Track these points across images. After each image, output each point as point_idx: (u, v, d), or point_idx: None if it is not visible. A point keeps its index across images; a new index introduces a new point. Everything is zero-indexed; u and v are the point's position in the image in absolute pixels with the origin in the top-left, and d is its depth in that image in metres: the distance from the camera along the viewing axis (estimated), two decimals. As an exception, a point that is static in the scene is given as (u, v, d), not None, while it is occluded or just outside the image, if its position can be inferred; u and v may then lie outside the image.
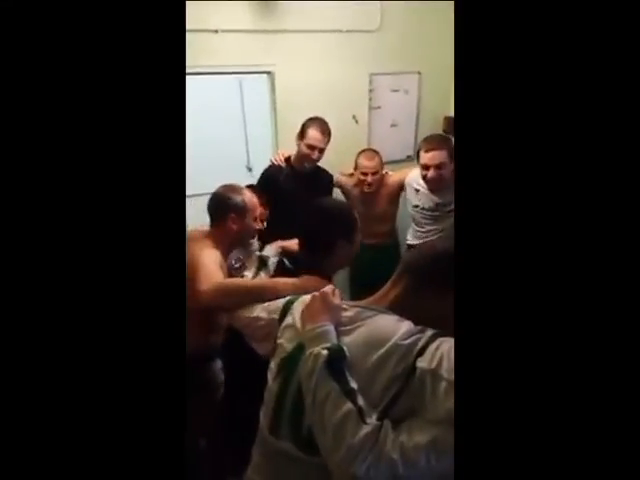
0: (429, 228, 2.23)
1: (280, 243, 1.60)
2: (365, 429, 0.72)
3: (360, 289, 2.28)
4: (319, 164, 2.19)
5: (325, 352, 0.80)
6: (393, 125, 2.97)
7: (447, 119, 3.08)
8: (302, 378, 0.83)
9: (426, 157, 2.01)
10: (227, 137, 2.52)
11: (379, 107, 2.88)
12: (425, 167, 2.03)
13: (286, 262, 1.53)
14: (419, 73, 2.91)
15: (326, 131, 2.10)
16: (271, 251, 1.57)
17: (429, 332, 0.80)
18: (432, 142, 2.03)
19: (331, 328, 0.85)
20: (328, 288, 0.96)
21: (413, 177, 2.23)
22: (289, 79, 2.54)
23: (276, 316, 1.01)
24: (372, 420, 0.74)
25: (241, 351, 1.12)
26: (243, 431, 1.05)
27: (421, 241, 2.24)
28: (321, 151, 2.10)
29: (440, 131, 3.11)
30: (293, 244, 1.44)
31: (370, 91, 2.81)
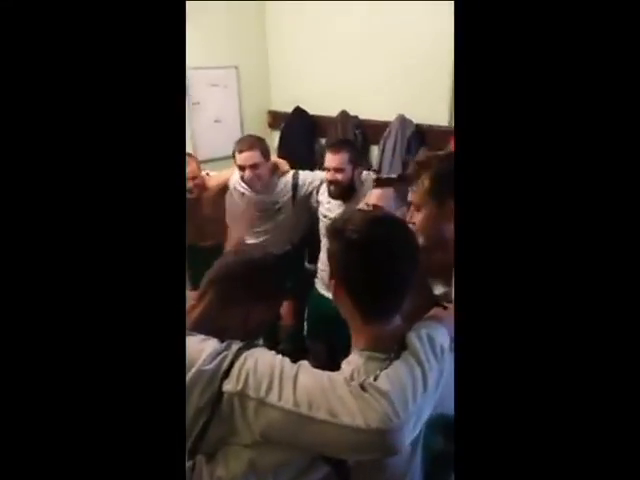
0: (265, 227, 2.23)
1: None
2: None
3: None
4: None
5: None
6: (217, 121, 2.91)
7: (271, 113, 3.13)
8: None
9: (240, 158, 2.00)
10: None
11: (198, 102, 2.79)
12: (241, 168, 2.02)
13: None
14: (236, 68, 2.89)
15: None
16: None
17: (234, 347, 0.76)
18: (244, 143, 2.01)
19: None
20: None
21: (236, 179, 2.20)
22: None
23: None
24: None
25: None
26: None
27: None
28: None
29: (266, 125, 3.16)
30: None
31: (187, 87, 2.70)
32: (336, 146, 1.95)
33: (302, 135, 2.77)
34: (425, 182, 1.04)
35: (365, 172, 2.05)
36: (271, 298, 0.93)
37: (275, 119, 3.07)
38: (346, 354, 0.80)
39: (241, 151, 1.98)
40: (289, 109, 2.86)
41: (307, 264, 2.42)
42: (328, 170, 1.94)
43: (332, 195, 1.98)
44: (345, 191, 1.93)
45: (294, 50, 2.86)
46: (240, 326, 0.86)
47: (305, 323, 2.25)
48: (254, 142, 2.00)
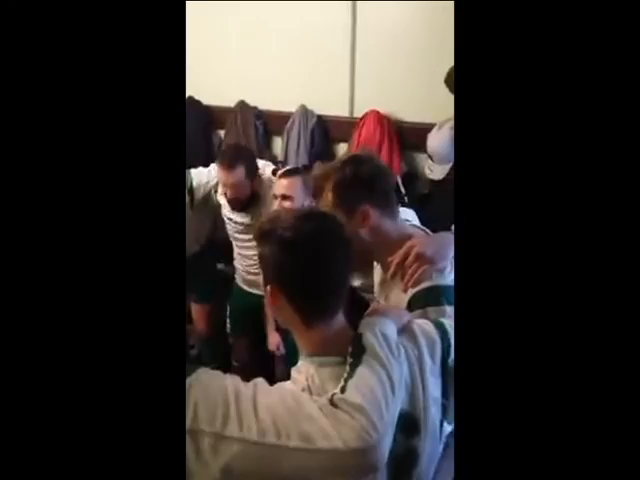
0: None
1: None
2: None
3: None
4: None
5: None
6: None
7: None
8: None
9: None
10: None
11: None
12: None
13: None
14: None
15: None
16: None
17: None
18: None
19: None
20: None
21: None
22: None
23: None
24: None
25: None
26: None
27: None
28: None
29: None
30: None
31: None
32: (225, 164, 1.77)
33: (197, 127, 2.62)
34: (328, 195, 1.03)
35: (267, 172, 1.94)
36: None
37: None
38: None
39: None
40: (180, 99, 2.69)
41: (219, 265, 2.33)
42: (225, 187, 1.83)
43: (235, 209, 1.88)
44: (248, 203, 1.84)
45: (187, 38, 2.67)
46: None
47: (227, 320, 2.17)
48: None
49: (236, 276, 2.09)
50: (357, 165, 1.04)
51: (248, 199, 1.82)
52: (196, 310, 2.29)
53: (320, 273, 0.72)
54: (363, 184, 1.01)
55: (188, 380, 0.66)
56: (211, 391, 0.66)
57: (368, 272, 1.18)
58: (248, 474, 0.63)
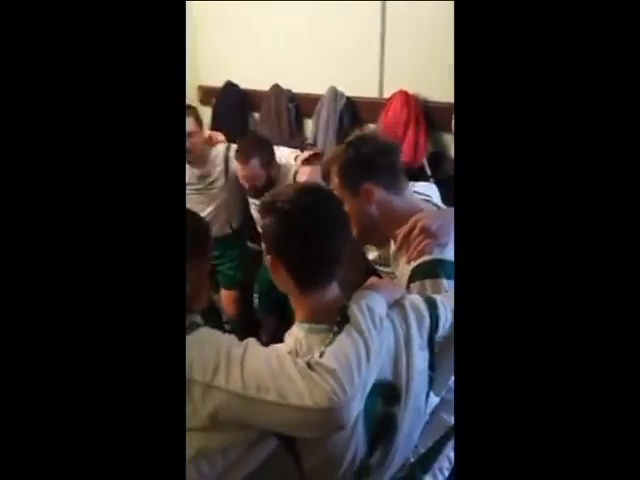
0: None
1: None
2: None
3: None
4: None
5: None
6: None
7: (201, 89, 3.04)
8: None
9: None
10: None
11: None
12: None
13: None
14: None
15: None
16: None
17: None
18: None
19: None
20: None
21: None
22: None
23: None
24: None
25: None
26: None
27: None
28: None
29: (197, 101, 3.07)
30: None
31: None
32: (239, 159, 1.90)
33: (234, 110, 2.73)
34: (335, 178, 1.08)
35: (288, 159, 2.02)
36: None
37: (206, 94, 2.99)
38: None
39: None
40: (219, 84, 2.80)
41: (249, 243, 2.43)
42: (242, 179, 1.93)
43: (254, 197, 1.98)
44: (265, 189, 1.89)
45: (222, 24, 2.78)
46: None
47: (255, 296, 2.27)
48: (187, 110, 1.91)
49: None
50: (359, 146, 1.09)
51: (265, 186, 1.90)
52: (225, 295, 2.41)
53: (315, 244, 0.77)
54: (365, 164, 1.06)
55: (189, 338, 0.74)
56: (207, 347, 0.74)
57: (384, 245, 1.22)
58: (231, 419, 0.72)
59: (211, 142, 2.14)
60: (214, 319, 2.27)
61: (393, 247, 1.15)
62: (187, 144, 1.92)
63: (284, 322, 2.17)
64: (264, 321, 2.31)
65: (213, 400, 0.70)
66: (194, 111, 2.00)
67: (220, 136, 2.20)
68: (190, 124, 1.93)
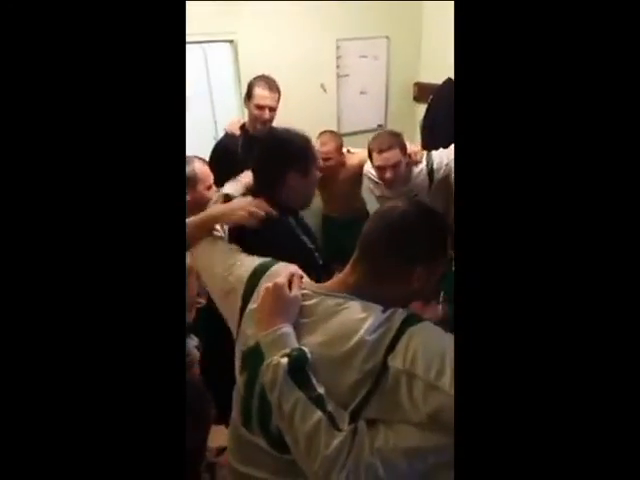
0: None
1: (244, 179, 1.42)
2: (339, 437, 0.68)
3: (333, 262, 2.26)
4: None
5: (285, 360, 0.74)
6: (362, 93, 2.92)
7: (417, 85, 3.05)
8: (265, 387, 0.77)
9: (380, 159, 1.89)
10: (194, 106, 2.43)
11: (347, 75, 2.82)
12: (381, 168, 1.92)
13: None
14: (387, 38, 2.84)
15: (273, 87, 2.00)
16: (234, 188, 1.38)
17: (397, 321, 0.75)
18: (384, 142, 1.89)
19: (288, 330, 0.78)
20: (282, 279, 0.84)
21: (369, 169, 2.13)
22: (254, 47, 2.45)
23: (241, 289, 0.92)
24: (344, 425, 0.70)
25: (218, 329, 1.09)
26: (220, 409, 1.03)
27: None
28: (272, 109, 2.01)
29: (412, 98, 3.09)
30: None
31: (338, 58, 2.73)
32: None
33: (451, 107, 2.65)
34: None
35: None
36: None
37: (422, 91, 2.98)
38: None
39: (381, 151, 1.88)
40: (438, 80, 2.75)
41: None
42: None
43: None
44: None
45: (450, 20, 2.72)
46: (403, 290, 0.83)
47: None
48: (393, 140, 1.90)
49: None
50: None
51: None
52: None
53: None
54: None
55: (410, 329, 0.73)
56: (430, 344, 0.72)
57: None
58: (452, 423, 0.67)
59: (412, 161, 2.07)
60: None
61: None
62: (393, 175, 1.93)
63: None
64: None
65: (435, 401, 0.67)
66: (400, 139, 1.93)
67: (419, 152, 2.08)
68: (397, 155, 1.90)
